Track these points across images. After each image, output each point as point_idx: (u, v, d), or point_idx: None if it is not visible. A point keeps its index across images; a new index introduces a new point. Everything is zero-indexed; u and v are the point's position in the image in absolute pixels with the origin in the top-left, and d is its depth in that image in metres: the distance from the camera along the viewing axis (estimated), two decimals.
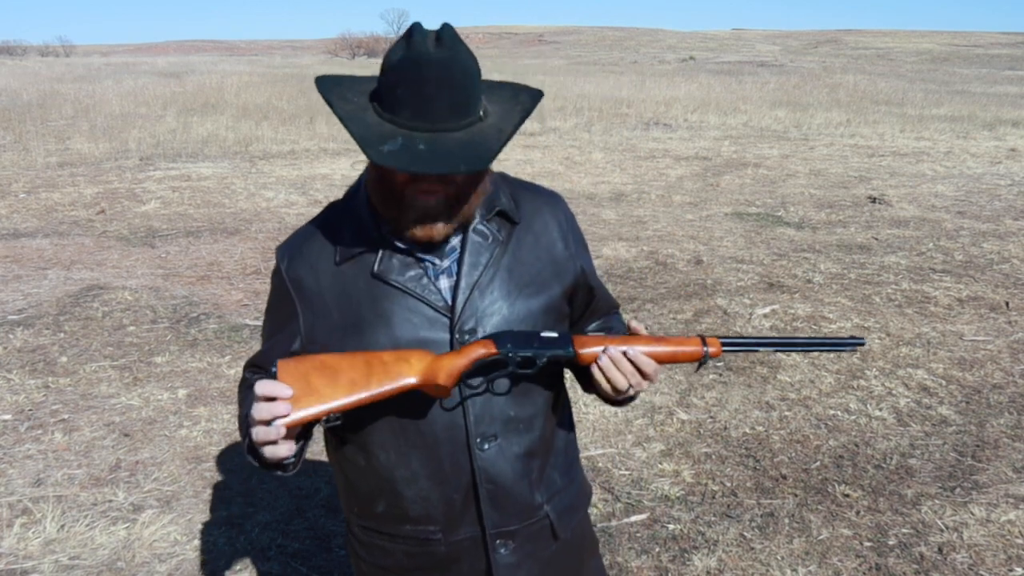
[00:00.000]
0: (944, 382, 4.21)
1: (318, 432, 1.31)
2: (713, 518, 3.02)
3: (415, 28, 1.13)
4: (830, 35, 70.71)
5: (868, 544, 2.85)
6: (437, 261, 1.27)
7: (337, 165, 11.09)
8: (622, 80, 27.69)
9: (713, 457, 3.46)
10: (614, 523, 2.99)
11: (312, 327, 1.28)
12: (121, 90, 21.36)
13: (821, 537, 2.89)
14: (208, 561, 2.78)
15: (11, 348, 4.56)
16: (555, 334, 1.25)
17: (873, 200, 8.76)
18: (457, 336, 1.24)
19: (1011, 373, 4.31)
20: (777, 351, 1.37)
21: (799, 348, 1.35)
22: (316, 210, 9.16)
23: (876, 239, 7.17)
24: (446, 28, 1.14)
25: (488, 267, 1.28)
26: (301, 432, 1.21)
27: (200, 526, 2.97)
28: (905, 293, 5.62)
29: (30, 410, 3.84)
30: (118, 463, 3.40)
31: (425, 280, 1.26)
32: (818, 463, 3.41)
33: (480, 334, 1.25)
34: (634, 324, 1.32)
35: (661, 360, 1.27)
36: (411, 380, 1.19)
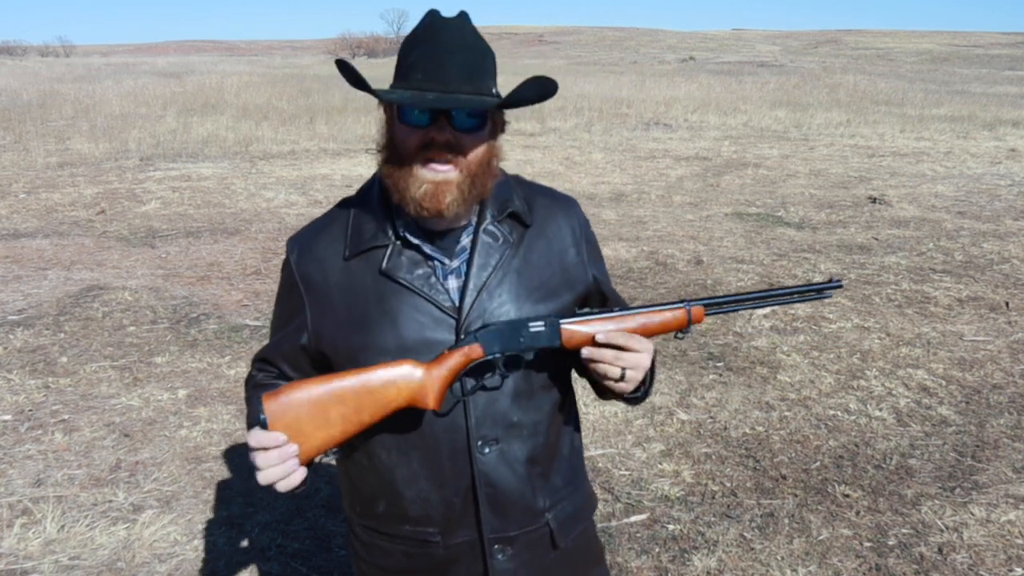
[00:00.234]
0: (944, 382, 4.21)
1: None
2: (713, 518, 3.02)
3: (432, 10, 1.20)
4: (830, 35, 70.68)
5: (868, 544, 2.85)
6: (446, 261, 1.26)
7: (337, 165, 11.09)
8: (622, 80, 27.69)
9: (713, 457, 3.46)
10: (614, 523, 2.99)
11: (319, 322, 1.29)
12: (121, 90, 21.37)
13: (821, 537, 2.89)
14: (208, 561, 2.78)
15: (11, 348, 4.56)
16: (541, 325, 1.23)
17: (873, 200, 8.76)
18: (463, 337, 1.23)
19: (1011, 373, 4.31)
20: (757, 307, 1.36)
21: (778, 301, 1.34)
22: (316, 210, 9.16)
23: (876, 239, 7.17)
24: (463, 12, 1.21)
25: (497, 269, 1.27)
26: None
27: (200, 526, 2.97)
28: (905, 293, 5.62)
29: (30, 410, 3.84)
30: (118, 463, 3.40)
31: (433, 279, 1.25)
32: (818, 463, 3.41)
33: None
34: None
35: (645, 334, 1.26)
36: (400, 403, 1.20)
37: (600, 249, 1.44)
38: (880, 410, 3.88)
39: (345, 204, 1.35)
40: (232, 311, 5.24)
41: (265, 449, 1.14)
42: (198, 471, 3.34)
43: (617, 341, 1.22)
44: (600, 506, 3.10)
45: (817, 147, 13.27)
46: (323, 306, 1.28)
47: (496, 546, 1.32)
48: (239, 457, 3.46)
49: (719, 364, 4.43)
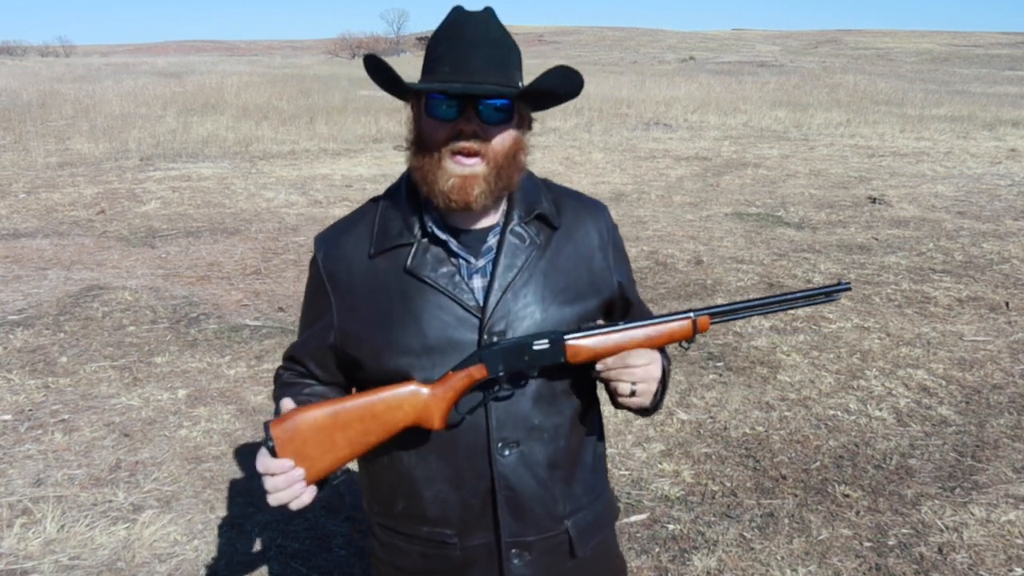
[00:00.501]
0: (944, 382, 4.21)
1: None
2: (713, 518, 3.02)
3: (457, 6, 1.23)
4: (830, 35, 70.72)
5: (868, 544, 2.85)
6: (472, 260, 1.26)
7: (337, 165, 11.09)
8: (622, 80, 27.69)
9: (713, 457, 3.46)
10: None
11: (345, 321, 1.29)
12: (121, 90, 21.37)
13: (821, 537, 2.89)
14: (208, 561, 2.78)
15: (11, 348, 4.56)
16: (546, 343, 1.22)
17: (873, 200, 8.76)
18: (486, 338, 1.22)
19: (1011, 373, 4.31)
20: (763, 313, 1.34)
21: (785, 306, 1.32)
22: (316, 210, 9.16)
23: (876, 239, 7.17)
24: (488, 8, 1.23)
25: (524, 269, 1.26)
26: None
27: (200, 526, 2.97)
28: (905, 293, 5.62)
29: (30, 410, 3.84)
30: (118, 463, 3.40)
31: (458, 278, 1.24)
32: (818, 463, 3.41)
33: (510, 336, 1.23)
34: None
35: (650, 346, 1.24)
36: (406, 424, 1.21)
37: (627, 254, 1.43)
38: (880, 410, 3.88)
39: (373, 201, 1.35)
40: (232, 311, 5.24)
41: (272, 475, 1.15)
42: (198, 471, 3.34)
43: (615, 367, 1.22)
44: None
45: (817, 147, 13.27)
46: (349, 305, 1.28)
47: (513, 550, 1.30)
48: (239, 457, 3.46)
49: (719, 364, 4.43)
